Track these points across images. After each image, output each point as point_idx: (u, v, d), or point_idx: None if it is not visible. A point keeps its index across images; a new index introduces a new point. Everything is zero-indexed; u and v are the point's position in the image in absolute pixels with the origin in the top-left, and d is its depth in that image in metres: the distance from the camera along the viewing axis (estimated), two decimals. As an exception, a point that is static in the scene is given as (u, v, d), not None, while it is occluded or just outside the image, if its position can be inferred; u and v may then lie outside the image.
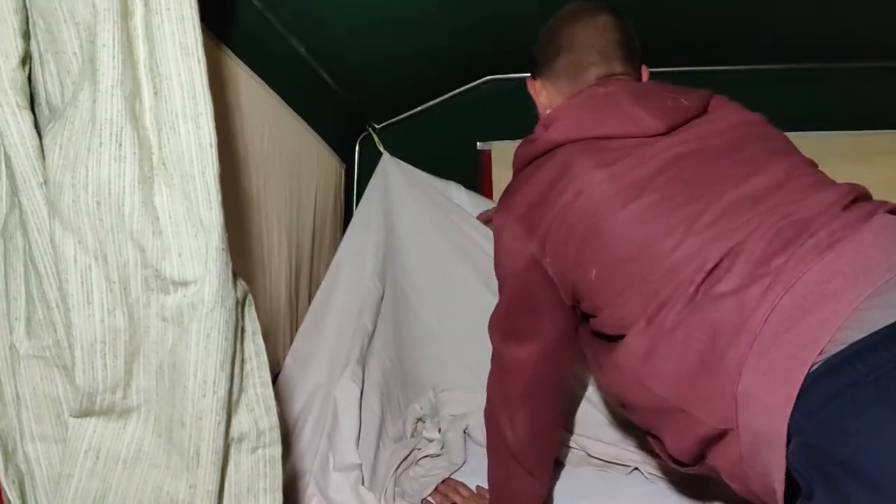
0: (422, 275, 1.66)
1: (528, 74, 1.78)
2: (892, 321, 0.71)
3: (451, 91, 1.83)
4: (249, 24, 1.20)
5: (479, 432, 1.43)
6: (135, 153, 0.75)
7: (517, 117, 1.80)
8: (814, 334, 0.75)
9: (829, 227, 0.83)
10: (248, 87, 1.24)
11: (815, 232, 0.83)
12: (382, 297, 1.67)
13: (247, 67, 1.22)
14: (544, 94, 1.19)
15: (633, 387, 0.92)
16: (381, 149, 1.83)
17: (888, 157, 1.68)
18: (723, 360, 0.81)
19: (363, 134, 1.89)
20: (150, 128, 0.76)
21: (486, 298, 1.32)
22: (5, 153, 0.78)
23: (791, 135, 1.68)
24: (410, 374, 1.66)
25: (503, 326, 1.11)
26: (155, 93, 0.76)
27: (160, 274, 0.77)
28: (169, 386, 0.80)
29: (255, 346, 0.88)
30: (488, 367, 1.16)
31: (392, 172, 1.74)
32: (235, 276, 0.81)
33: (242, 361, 0.85)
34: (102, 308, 0.77)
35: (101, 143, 0.73)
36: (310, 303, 1.58)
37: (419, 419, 1.58)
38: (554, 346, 1.07)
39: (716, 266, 0.85)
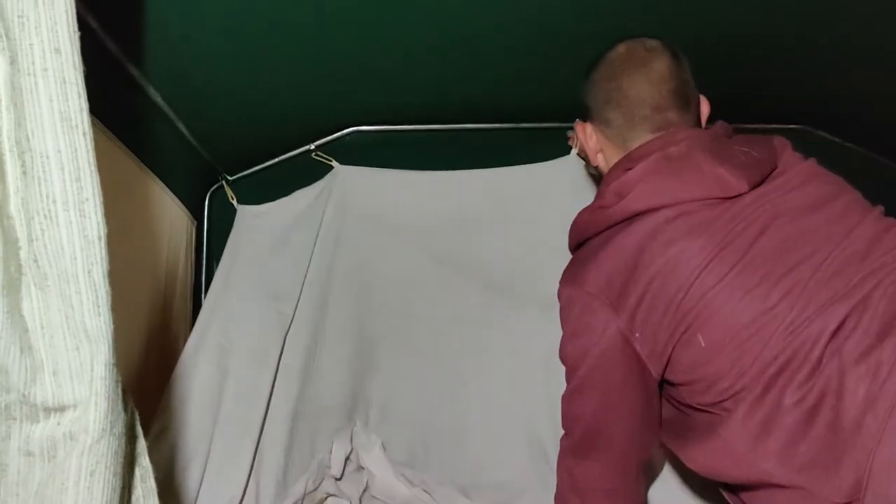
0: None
1: (390, 127, 1.80)
2: None
3: (312, 142, 1.73)
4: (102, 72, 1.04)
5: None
6: (-5, 249, 0.59)
7: (379, 163, 1.78)
8: None
9: None
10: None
11: None
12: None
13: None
14: (594, 140, 1.12)
15: (740, 463, 0.85)
16: (234, 202, 1.69)
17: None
18: (858, 429, 0.76)
19: (215, 186, 1.72)
20: (17, 216, 0.60)
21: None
22: None
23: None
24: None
25: (576, 414, 1.04)
26: (24, 173, 0.60)
27: (27, 399, 0.61)
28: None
29: (141, 469, 0.72)
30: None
31: (251, 226, 1.62)
32: (126, 393, 0.67)
33: (130, 492, 0.69)
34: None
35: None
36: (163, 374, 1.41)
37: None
38: (636, 432, 1.01)
39: (840, 326, 0.81)
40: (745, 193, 0.94)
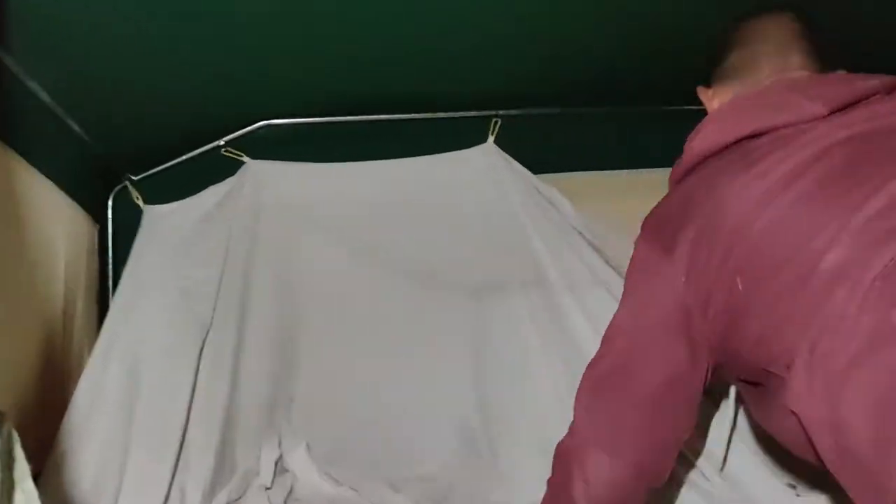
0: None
1: (303, 119, 1.74)
2: None
3: (222, 138, 1.67)
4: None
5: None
6: None
7: (293, 157, 1.72)
8: None
9: None
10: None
11: None
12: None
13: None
14: (716, 101, 1.05)
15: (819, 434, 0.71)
16: (141, 203, 1.62)
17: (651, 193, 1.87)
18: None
19: (118, 187, 1.64)
20: None
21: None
22: None
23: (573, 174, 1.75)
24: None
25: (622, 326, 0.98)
26: None
27: None
28: None
29: (24, 494, 0.67)
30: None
31: (159, 226, 1.56)
32: (3, 416, 0.61)
33: (9, 523, 0.64)
34: None
35: None
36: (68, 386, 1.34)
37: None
38: (674, 376, 0.92)
39: (881, 274, 0.67)
40: (822, 119, 0.83)
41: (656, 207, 1.01)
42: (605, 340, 1.01)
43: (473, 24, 1.30)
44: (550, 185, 1.71)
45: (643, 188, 1.96)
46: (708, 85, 1.10)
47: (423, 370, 1.64)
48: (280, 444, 1.54)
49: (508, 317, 1.62)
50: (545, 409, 1.50)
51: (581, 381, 1.02)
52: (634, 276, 0.99)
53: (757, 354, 0.81)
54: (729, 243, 0.82)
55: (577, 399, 1.01)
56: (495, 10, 1.25)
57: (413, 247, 1.68)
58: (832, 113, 0.83)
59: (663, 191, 1.94)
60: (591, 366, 1.02)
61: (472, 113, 1.70)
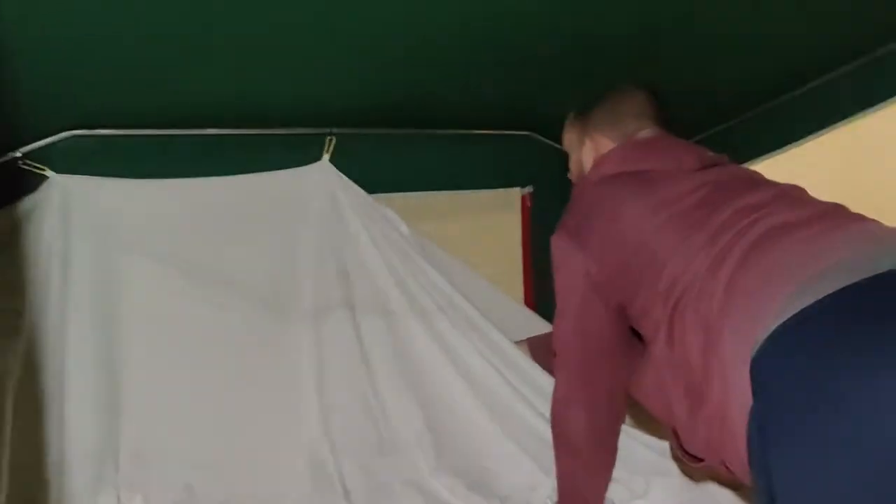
0: None
1: (116, 131, 1.59)
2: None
3: (19, 149, 1.47)
4: None
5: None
6: None
7: (105, 172, 1.57)
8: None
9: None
10: None
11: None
12: None
13: None
14: (589, 140, 1.38)
15: (663, 385, 1.05)
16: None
17: (476, 213, 1.98)
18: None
19: None
20: None
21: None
22: None
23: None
24: None
25: (562, 329, 1.27)
26: None
27: None
28: None
29: None
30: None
31: None
32: None
33: None
34: None
35: None
36: None
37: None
38: (609, 345, 1.24)
39: (716, 258, 1.00)
40: (694, 171, 1.18)
41: (570, 211, 1.29)
42: (555, 324, 1.31)
43: (306, 40, 1.28)
44: (383, 204, 1.73)
45: (464, 209, 2.09)
46: (578, 118, 1.43)
47: (266, 403, 1.54)
48: (119, 499, 1.36)
49: (349, 341, 1.59)
50: (396, 439, 1.49)
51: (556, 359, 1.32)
52: (559, 269, 1.27)
53: (642, 320, 1.16)
54: (628, 243, 1.15)
55: (556, 371, 1.34)
56: (327, 28, 1.25)
57: (245, 268, 1.59)
58: (701, 168, 1.20)
59: (484, 211, 2.07)
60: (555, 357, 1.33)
61: (306, 130, 1.67)
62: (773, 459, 0.80)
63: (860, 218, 1.03)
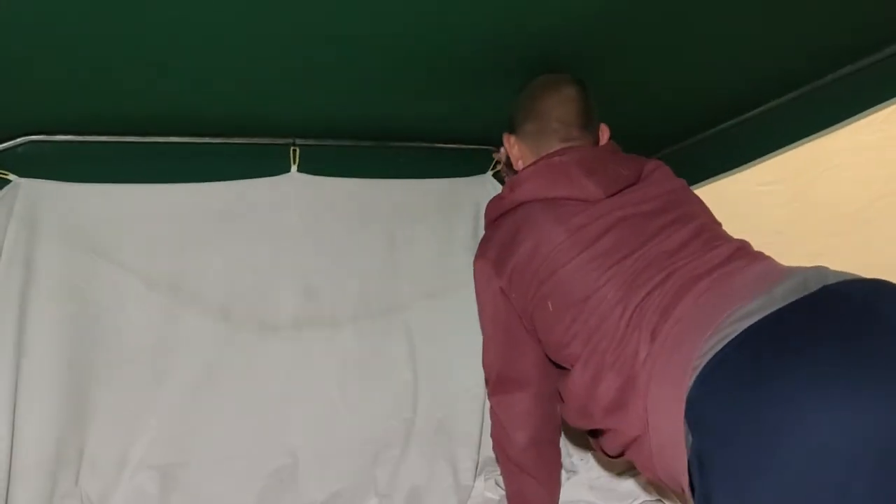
0: None
1: (79, 137, 1.55)
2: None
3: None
4: None
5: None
6: None
7: (64, 179, 1.53)
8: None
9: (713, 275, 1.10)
10: None
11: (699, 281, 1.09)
12: None
13: None
14: (517, 149, 1.39)
15: (582, 409, 1.14)
16: None
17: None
18: (637, 381, 1.04)
19: None
20: None
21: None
22: None
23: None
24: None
25: (490, 348, 1.36)
26: None
27: None
28: None
29: None
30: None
31: None
32: None
33: None
34: None
35: None
36: None
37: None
38: (539, 364, 1.31)
39: (635, 310, 1.08)
40: (602, 200, 1.21)
41: (487, 236, 1.35)
42: (483, 345, 1.40)
43: (271, 51, 1.27)
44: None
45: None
46: (511, 131, 1.42)
47: (230, 412, 1.52)
48: None
49: (329, 352, 1.59)
50: (376, 451, 1.52)
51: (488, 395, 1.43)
52: (480, 292, 1.35)
53: (558, 354, 1.23)
54: (542, 277, 1.20)
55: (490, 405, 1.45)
56: (294, 38, 1.24)
57: (212, 277, 1.57)
58: (608, 196, 1.23)
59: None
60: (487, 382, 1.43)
61: (268, 140, 1.67)
62: (712, 482, 0.92)
63: (758, 258, 1.15)
